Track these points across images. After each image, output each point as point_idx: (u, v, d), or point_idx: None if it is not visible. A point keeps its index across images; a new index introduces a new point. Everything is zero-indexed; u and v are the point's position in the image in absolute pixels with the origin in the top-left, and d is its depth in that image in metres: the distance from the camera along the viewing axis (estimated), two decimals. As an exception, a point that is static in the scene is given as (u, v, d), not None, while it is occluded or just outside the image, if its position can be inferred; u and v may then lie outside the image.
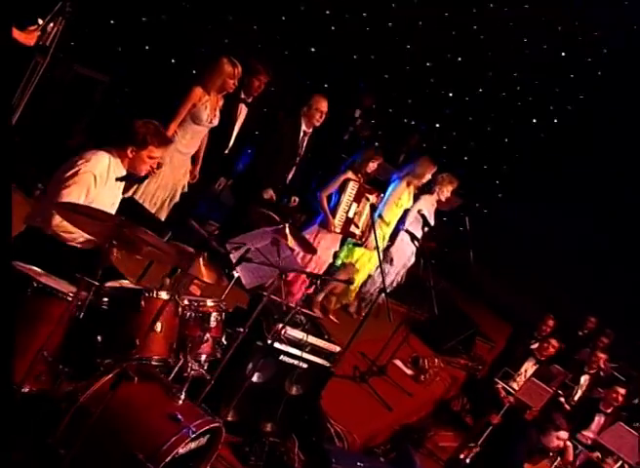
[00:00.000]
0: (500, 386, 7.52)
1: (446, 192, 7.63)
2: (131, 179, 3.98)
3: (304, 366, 4.66)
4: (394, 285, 7.87)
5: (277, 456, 4.55)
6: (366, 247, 7.24)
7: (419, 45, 10.70)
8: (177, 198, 5.99)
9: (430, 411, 7.64)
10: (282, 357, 4.56)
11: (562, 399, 8.15)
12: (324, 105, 6.56)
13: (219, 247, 4.06)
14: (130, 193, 5.52)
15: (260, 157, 6.63)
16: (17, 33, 4.87)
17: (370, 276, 7.69)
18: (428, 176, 7.31)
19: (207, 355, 3.66)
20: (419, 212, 7.15)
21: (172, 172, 5.81)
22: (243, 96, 6.30)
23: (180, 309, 3.47)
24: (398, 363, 7.52)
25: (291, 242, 4.09)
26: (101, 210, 3.39)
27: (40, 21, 4.97)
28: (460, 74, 11.17)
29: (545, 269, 11.45)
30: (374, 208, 6.42)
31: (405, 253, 7.66)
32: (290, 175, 6.86)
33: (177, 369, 3.49)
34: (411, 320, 8.92)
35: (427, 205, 7.65)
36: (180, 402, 3.46)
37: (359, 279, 7.47)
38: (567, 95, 12.00)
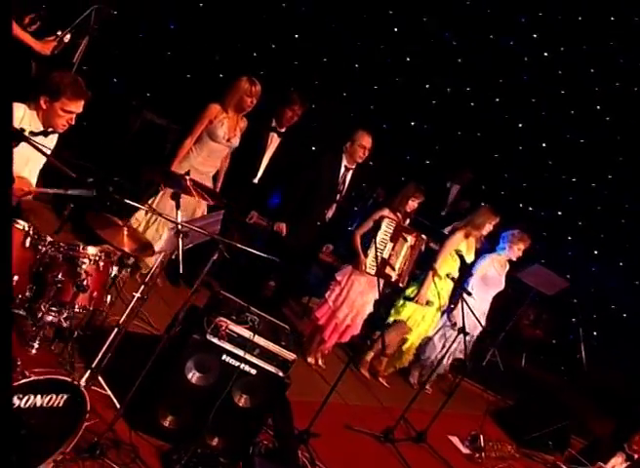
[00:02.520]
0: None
1: (516, 250, 6.88)
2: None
3: (253, 371, 4.16)
4: (458, 354, 7.03)
5: (208, 470, 4.03)
6: (417, 302, 6.62)
7: (532, 124, 10.15)
8: (196, 222, 5.87)
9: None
10: (224, 357, 4.11)
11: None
12: (368, 141, 6.27)
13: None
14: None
15: (296, 192, 6.42)
16: (33, 41, 5.19)
17: (430, 339, 6.97)
18: (489, 228, 6.64)
19: (70, 304, 3.30)
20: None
21: None
22: (274, 124, 6.21)
23: (29, 240, 3.20)
24: (454, 440, 6.62)
25: (194, 196, 3.75)
26: None
27: (59, 33, 5.26)
28: (584, 158, 10.35)
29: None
30: (378, 224, 5.86)
31: (469, 317, 6.78)
32: (330, 213, 6.58)
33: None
34: (496, 407, 7.98)
35: (496, 265, 6.93)
36: (34, 351, 3.18)
37: (412, 339, 6.78)
38: None
